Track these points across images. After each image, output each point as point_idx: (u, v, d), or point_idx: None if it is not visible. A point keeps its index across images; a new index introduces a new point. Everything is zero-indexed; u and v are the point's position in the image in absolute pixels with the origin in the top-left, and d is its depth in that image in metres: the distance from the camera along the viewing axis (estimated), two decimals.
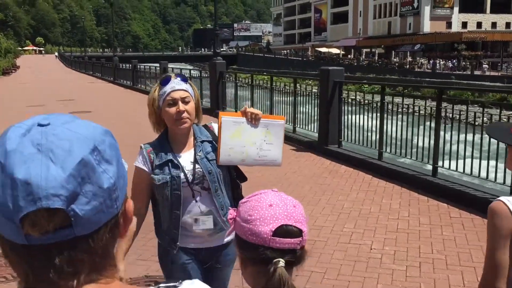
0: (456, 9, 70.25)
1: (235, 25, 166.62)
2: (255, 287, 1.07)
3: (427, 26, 69.19)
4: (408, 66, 55.42)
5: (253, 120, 2.09)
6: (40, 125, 0.66)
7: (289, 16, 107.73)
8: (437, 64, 48.96)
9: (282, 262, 1.02)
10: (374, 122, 7.36)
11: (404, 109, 6.97)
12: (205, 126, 2.23)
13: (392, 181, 6.26)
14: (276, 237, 1.04)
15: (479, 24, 70.24)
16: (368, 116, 7.58)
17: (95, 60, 44.91)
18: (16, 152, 0.61)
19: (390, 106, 7.19)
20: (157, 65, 20.83)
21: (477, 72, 44.26)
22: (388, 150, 6.96)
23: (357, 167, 7.10)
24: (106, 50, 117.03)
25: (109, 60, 35.74)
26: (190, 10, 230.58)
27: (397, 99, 7.63)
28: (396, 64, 58.01)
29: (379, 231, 4.56)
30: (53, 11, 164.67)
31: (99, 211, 0.63)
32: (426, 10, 69.04)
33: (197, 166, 2.09)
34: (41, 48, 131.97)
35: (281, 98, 10.50)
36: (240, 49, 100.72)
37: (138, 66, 23.39)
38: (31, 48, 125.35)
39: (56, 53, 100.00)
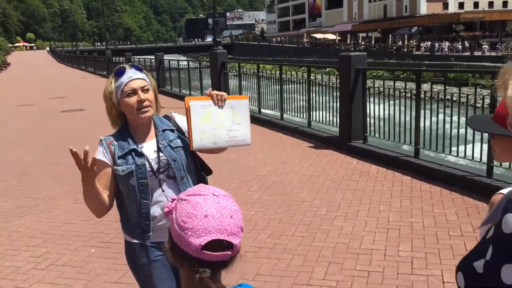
0: None
1: (228, 14, 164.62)
2: (185, 286, 1.11)
3: (424, 8, 68.07)
4: (406, 50, 54.55)
5: (219, 102, 2.06)
6: None
7: (283, 3, 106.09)
8: (444, 47, 48.13)
9: (208, 272, 1.03)
10: (405, 114, 6.47)
11: (442, 98, 6.05)
12: (166, 116, 2.19)
13: (436, 183, 5.37)
14: (205, 250, 1.04)
15: (476, 4, 69.14)
16: (397, 106, 6.68)
17: (87, 54, 43.71)
18: None
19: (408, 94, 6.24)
20: (152, 57, 19.88)
21: (477, 53, 43.43)
22: (427, 146, 6.06)
23: (389, 166, 6.21)
24: (98, 44, 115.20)
25: (101, 54, 34.58)
26: (181, 0, 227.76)
27: (425, 86, 6.70)
28: (394, 47, 57.18)
29: (445, 255, 3.68)
30: (43, 6, 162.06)
31: None
32: None
33: (161, 154, 2.04)
34: (32, 44, 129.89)
35: (289, 88, 9.59)
36: (234, 38, 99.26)
37: (132, 59, 22.35)
38: (22, 44, 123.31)
39: (48, 48, 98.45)
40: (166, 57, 18.80)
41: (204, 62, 17.25)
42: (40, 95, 18.91)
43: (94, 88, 21.02)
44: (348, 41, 69.18)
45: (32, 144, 9.03)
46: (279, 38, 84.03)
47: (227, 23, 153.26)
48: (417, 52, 52.32)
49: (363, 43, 64.56)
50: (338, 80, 7.73)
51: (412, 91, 6.26)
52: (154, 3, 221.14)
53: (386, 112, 6.84)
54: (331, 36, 77.00)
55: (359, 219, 4.53)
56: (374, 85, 7.06)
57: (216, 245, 1.04)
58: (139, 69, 2.08)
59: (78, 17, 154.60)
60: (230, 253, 1.06)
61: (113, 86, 2.04)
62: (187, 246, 1.05)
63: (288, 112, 9.65)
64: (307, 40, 76.42)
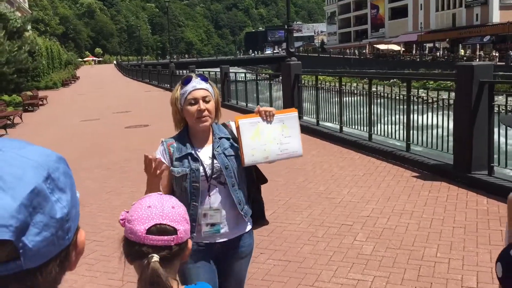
0: None
1: (286, 26, 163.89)
2: (138, 280, 1.14)
3: (497, 16, 63.95)
4: (478, 60, 51.25)
5: (268, 117, 2.14)
6: None
7: (344, 14, 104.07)
8: None
9: (156, 257, 1.11)
10: None
11: None
12: (223, 125, 2.27)
13: None
14: (150, 235, 1.13)
15: None
16: None
17: (151, 67, 44.23)
18: None
19: None
20: (215, 69, 19.22)
21: None
22: None
23: None
24: (165, 57, 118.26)
25: (165, 67, 34.63)
26: (241, 14, 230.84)
27: None
28: (465, 58, 53.99)
29: None
30: (111, 22, 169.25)
31: (50, 243, 0.60)
32: (495, 0, 63.85)
33: (215, 161, 2.12)
34: (100, 58, 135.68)
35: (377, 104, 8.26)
36: (294, 50, 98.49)
37: (196, 72, 21.74)
38: (91, 58, 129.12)
39: (115, 62, 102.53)
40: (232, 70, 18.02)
41: (263, 74, 16.54)
42: (105, 109, 18.64)
43: (158, 103, 20.60)
44: (414, 52, 66.36)
45: (92, 167, 8.25)
46: (338, 50, 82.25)
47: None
48: (490, 62, 48.98)
49: (436, 53, 61.59)
50: (447, 96, 6.32)
51: None
52: (215, 17, 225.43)
53: None
54: (395, 47, 74.23)
55: None
56: (506, 102, 5.58)
57: (159, 230, 1.14)
58: (204, 79, 2.15)
59: (143, 32, 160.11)
60: (174, 237, 1.15)
61: (179, 93, 2.15)
62: (135, 234, 1.14)
63: (377, 132, 8.32)
64: (369, 51, 74.17)
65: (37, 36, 41.53)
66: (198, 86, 2.10)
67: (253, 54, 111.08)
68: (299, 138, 2.17)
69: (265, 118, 2.13)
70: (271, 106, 13.53)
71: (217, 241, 2.14)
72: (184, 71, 25.72)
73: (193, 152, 2.13)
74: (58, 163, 0.64)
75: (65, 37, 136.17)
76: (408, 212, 4.95)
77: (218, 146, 2.15)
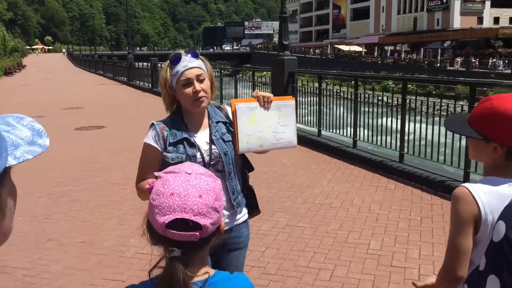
0: (488, 3, 65.87)
1: (246, 23, 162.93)
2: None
3: (457, 21, 64.81)
4: (438, 65, 51.36)
5: (266, 103, 2.03)
6: None
7: (306, 13, 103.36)
8: (499, 65, 44.81)
9: (176, 252, 1.00)
10: None
11: None
12: (218, 107, 2.13)
13: None
14: (170, 229, 1.00)
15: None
16: None
17: (106, 58, 41.03)
18: None
19: None
20: None
21: None
22: None
23: None
24: (119, 48, 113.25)
25: (121, 59, 31.79)
26: (199, 8, 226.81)
27: None
28: (426, 62, 54.13)
29: None
30: (63, 9, 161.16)
31: None
32: (456, 5, 64.64)
33: (213, 146, 1.99)
34: (50, 47, 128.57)
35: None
36: (253, 47, 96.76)
37: (159, 65, 19.35)
38: (40, 46, 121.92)
39: (64, 50, 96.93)
40: None
41: (225, 71, 15.70)
42: (52, 104, 15.92)
43: (115, 98, 18.05)
44: (376, 54, 66.21)
45: (27, 192, 5.87)
46: (298, 48, 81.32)
47: (245, 32, 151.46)
48: (451, 68, 49.20)
49: (399, 56, 61.64)
50: None
51: None
52: (172, 10, 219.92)
53: None
54: (357, 48, 73.99)
55: None
56: None
57: (182, 224, 0.99)
58: (194, 55, 1.99)
59: (97, 22, 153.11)
60: (197, 233, 1.01)
61: (168, 74, 1.97)
62: (155, 223, 1.02)
63: (410, 152, 6.46)
64: (331, 51, 73.60)
65: None
66: (190, 65, 1.93)
67: (211, 49, 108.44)
68: (295, 128, 2.09)
69: (262, 103, 2.00)
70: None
71: None
72: (144, 64, 23.18)
73: (188, 136, 1.97)
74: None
75: (12, 23, 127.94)
76: None
77: (216, 130, 2.01)
